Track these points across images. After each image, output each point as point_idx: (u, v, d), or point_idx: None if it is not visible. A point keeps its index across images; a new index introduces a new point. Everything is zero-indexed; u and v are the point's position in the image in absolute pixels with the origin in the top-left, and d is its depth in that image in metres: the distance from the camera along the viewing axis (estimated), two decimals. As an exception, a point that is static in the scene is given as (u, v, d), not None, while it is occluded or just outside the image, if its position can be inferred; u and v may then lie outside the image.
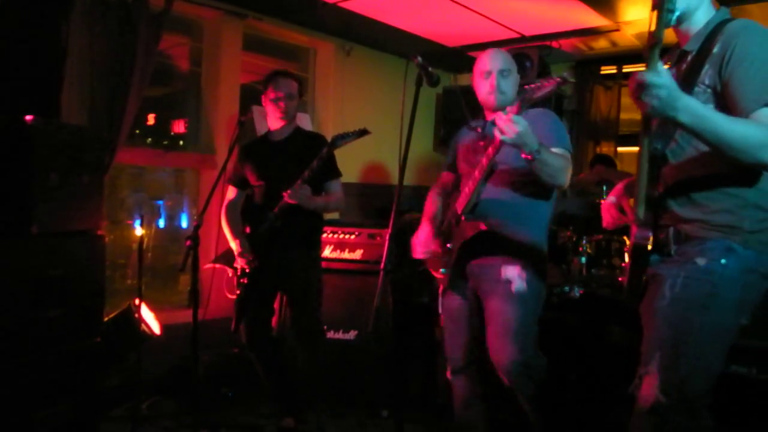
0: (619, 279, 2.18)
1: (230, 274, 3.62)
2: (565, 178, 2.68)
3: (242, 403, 4.01)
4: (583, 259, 3.77)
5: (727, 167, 1.95)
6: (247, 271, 3.51)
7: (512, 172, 2.79)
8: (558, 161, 2.62)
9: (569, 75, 2.39)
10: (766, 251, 1.97)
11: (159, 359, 3.82)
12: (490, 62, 2.87)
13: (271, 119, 3.60)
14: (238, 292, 3.54)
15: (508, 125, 2.39)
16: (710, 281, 1.93)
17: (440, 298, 3.03)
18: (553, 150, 2.64)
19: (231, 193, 3.78)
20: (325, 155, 3.37)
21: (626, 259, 2.17)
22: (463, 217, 2.78)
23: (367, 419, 3.89)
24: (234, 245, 3.57)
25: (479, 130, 2.98)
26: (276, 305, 3.78)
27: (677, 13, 1.86)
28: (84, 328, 3.18)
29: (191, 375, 3.29)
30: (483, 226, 2.70)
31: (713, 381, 1.97)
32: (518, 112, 2.42)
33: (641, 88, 1.70)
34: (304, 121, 4.13)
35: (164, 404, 3.88)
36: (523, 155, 2.51)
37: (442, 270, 2.94)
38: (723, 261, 1.93)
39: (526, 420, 2.83)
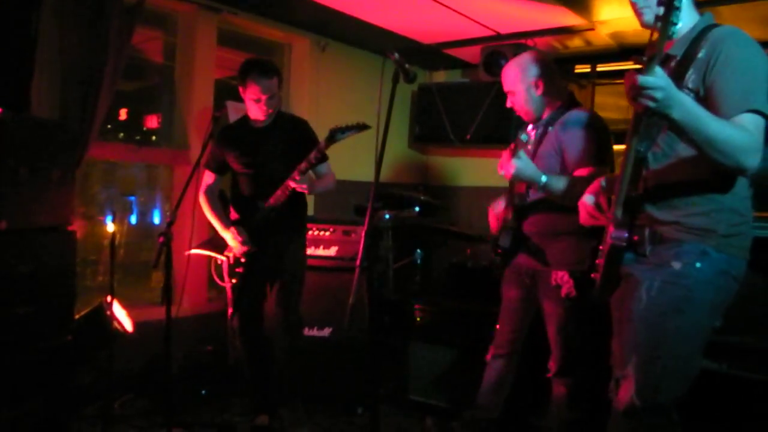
0: (591, 275, 2.21)
1: (219, 262, 3.59)
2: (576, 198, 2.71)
3: (216, 401, 3.98)
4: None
5: (705, 172, 1.98)
6: (243, 261, 3.48)
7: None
8: (565, 188, 2.73)
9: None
10: (739, 255, 2.02)
11: (131, 357, 3.78)
12: (503, 85, 3.04)
13: (253, 114, 3.52)
14: (234, 280, 3.52)
15: (504, 168, 2.70)
16: (685, 285, 1.97)
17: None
18: (580, 171, 2.77)
19: (209, 178, 3.71)
20: (323, 148, 3.32)
21: (601, 256, 2.18)
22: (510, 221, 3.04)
23: (342, 416, 3.89)
24: (228, 235, 3.51)
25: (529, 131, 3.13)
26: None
27: (679, 25, 1.90)
28: (55, 325, 3.13)
29: (164, 373, 3.26)
30: (530, 234, 2.97)
31: (689, 383, 2.00)
32: (512, 156, 2.67)
33: (636, 90, 1.72)
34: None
35: (137, 403, 3.84)
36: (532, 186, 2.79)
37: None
38: (698, 264, 1.97)
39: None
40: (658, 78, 1.71)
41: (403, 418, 3.89)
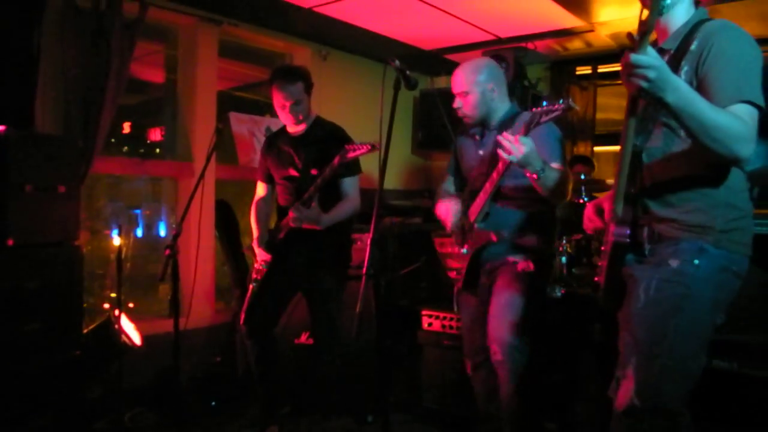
0: (595, 279, 2.21)
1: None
2: (565, 193, 2.79)
3: (226, 413, 3.98)
4: (564, 259, 3.80)
5: (700, 167, 1.97)
6: (261, 265, 3.50)
7: (518, 186, 2.94)
8: (559, 178, 2.72)
9: (573, 102, 2.43)
10: (738, 250, 2.00)
11: (141, 370, 3.78)
12: (452, 85, 3.04)
13: (283, 121, 3.53)
14: (252, 286, 3.54)
15: (516, 146, 2.53)
16: (684, 283, 1.95)
17: (455, 297, 3.22)
18: (554, 165, 2.75)
19: (260, 189, 3.73)
20: (329, 174, 3.22)
21: (603, 258, 2.17)
22: (475, 226, 2.96)
23: (353, 424, 3.88)
24: (255, 235, 3.59)
25: (477, 137, 3.13)
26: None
27: (668, 2, 1.89)
28: (63, 340, 3.14)
29: (174, 385, 3.27)
30: (493, 237, 2.91)
31: (692, 382, 1.97)
32: (525, 134, 2.54)
33: (629, 68, 1.71)
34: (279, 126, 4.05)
35: (147, 416, 3.83)
36: (527, 173, 2.64)
37: (456, 272, 3.15)
38: (696, 262, 1.95)
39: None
40: (651, 57, 1.69)
41: (415, 425, 3.88)
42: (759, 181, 3.33)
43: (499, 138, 2.58)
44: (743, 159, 1.84)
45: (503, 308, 2.88)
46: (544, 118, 2.47)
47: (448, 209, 3.14)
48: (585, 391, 3.37)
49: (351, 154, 3.14)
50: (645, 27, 1.72)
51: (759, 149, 1.86)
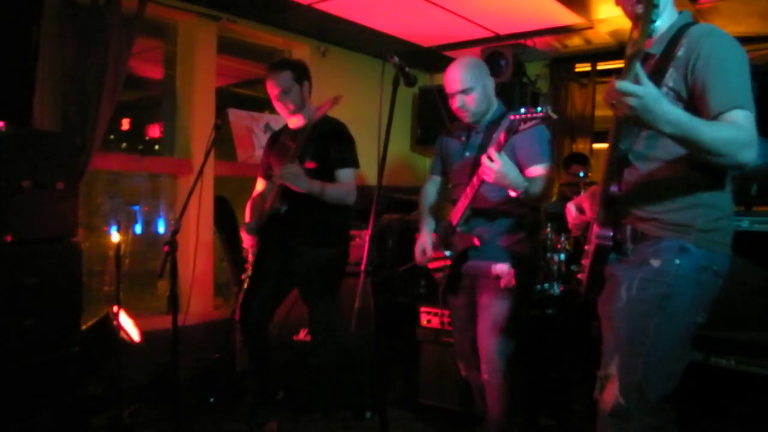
0: (578, 276, 2.21)
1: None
2: (551, 195, 2.79)
3: (225, 409, 3.98)
4: (563, 256, 3.80)
5: (684, 168, 1.98)
6: (250, 253, 3.49)
7: (500, 196, 2.88)
8: (543, 185, 2.72)
9: (552, 109, 2.39)
10: (719, 249, 2.01)
11: (139, 366, 3.78)
12: (450, 85, 2.96)
13: (279, 112, 3.53)
14: (243, 276, 3.52)
15: (487, 169, 2.52)
16: (665, 282, 1.96)
17: (440, 297, 3.17)
18: (536, 169, 2.75)
19: (259, 185, 3.71)
20: (305, 136, 3.27)
21: (587, 257, 2.18)
22: (458, 230, 2.92)
23: (351, 421, 3.88)
24: (245, 221, 3.58)
25: (462, 139, 3.08)
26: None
27: (658, 23, 1.89)
28: (62, 337, 3.14)
29: (172, 381, 3.27)
30: (476, 241, 2.85)
31: (675, 381, 1.99)
32: (499, 150, 2.51)
33: (612, 96, 1.71)
34: (278, 123, 4.05)
35: (145, 412, 3.83)
36: (509, 191, 2.63)
37: (441, 274, 3.10)
38: (677, 261, 1.96)
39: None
40: (634, 86, 1.67)
41: (413, 422, 3.88)
42: (758, 179, 3.34)
43: (483, 158, 2.56)
44: (748, 163, 1.84)
45: (490, 330, 2.86)
46: (523, 127, 2.43)
47: (422, 248, 3.11)
48: (583, 388, 3.38)
49: (317, 114, 3.25)
50: (635, 50, 1.72)
51: (758, 147, 1.86)
